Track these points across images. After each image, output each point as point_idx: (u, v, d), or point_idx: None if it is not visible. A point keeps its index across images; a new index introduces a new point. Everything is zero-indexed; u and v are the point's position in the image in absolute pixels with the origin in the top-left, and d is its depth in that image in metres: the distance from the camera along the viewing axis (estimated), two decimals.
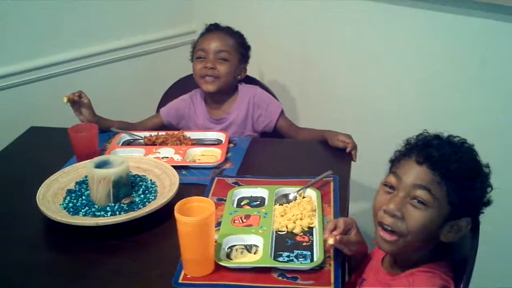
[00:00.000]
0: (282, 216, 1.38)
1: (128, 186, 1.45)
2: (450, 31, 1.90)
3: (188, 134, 1.85)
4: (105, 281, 1.21)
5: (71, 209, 1.40)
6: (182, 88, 2.12)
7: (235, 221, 1.36)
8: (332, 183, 1.54)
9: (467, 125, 1.86)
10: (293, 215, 1.37)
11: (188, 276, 1.19)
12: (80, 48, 2.43)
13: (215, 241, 1.24)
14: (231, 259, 1.24)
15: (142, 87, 2.60)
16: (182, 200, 1.20)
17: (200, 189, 1.52)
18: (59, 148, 1.76)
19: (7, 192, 1.59)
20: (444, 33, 1.92)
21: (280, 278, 1.17)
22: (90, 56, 2.46)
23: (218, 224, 1.34)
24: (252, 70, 2.07)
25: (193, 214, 1.17)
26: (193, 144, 1.80)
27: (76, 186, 1.51)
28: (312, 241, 1.29)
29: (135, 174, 1.55)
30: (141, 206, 1.40)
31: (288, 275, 1.18)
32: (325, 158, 1.73)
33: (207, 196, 1.47)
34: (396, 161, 1.17)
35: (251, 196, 1.50)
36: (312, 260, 1.22)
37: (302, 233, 1.32)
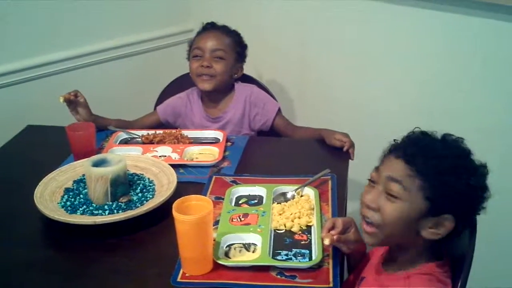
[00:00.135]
0: (280, 214, 1.38)
1: (125, 185, 1.45)
2: (451, 31, 1.90)
3: (186, 132, 1.85)
4: (103, 280, 1.21)
5: (68, 208, 1.39)
6: (179, 86, 2.11)
7: (233, 220, 1.36)
8: (330, 182, 1.54)
9: (468, 125, 1.86)
10: (291, 214, 1.36)
11: (186, 274, 1.19)
12: (77, 47, 2.42)
13: (214, 240, 1.24)
14: (230, 258, 1.23)
15: (139, 85, 2.60)
16: (180, 198, 1.20)
17: (198, 188, 1.52)
18: (56, 147, 1.76)
19: (4, 191, 1.58)
20: (444, 33, 1.92)
21: (278, 276, 1.17)
22: (87, 54, 2.46)
23: (216, 222, 1.34)
24: (249, 69, 2.07)
25: (191, 213, 1.17)
26: (190, 143, 1.80)
27: (74, 184, 1.51)
28: (311, 239, 1.29)
29: (133, 173, 1.55)
30: (139, 205, 1.40)
31: (286, 274, 1.18)
32: (323, 157, 1.73)
33: (205, 195, 1.47)
34: (382, 157, 1.19)
35: (249, 194, 1.49)
36: (310, 258, 1.22)
37: (300, 232, 1.32)
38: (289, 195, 1.47)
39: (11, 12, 2.18)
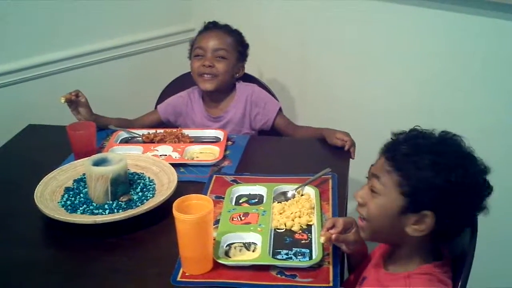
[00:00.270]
0: (280, 214, 1.38)
1: (126, 184, 1.45)
2: (451, 30, 1.89)
3: (186, 131, 1.84)
4: (103, 279, 1.21)
5: (69, 207, 1.39)
6: (180, 86, 2.11)
7: (234, 219, 1.36)
8: (330, 181, 1.54)
9: (469, 124, 1.85)
10: (292, 213, 1.36)
11: (186, 274, 1.19)
12: (78, 46, 2.42)
13: (214, 239, 1.24)
14: (230, 257, 1.23)
15: (140, 85, 2.59)
16: (181, 197, 1.19)
17: (199, 187, 1.51)
18: (57, 146, 1.76)
19: (5, 190, 1.58)
20: (445, 32, 1.92)
21: (278, 276, 1.17)
22: (88, 54, 2.45)
23: (217, 222, 1.34)
24: (250, 68, 2.07)
25: (192, 212, 1.16)
26: (191, 142, 1.79)
27: (74, 184, 1.51)
28: (311, 238, 1.29)
29: (133, 172, 1.55)
30: (139, 204, 1.40)
31: (286, 273, 1.18)
32: (323, 156, 1.73)
33: (205, 194, 1.47)
34: (378, 155, 1.20)
35: (250, 193, 1.49)
36: (310, 258, 1.22)
37: (300, 231, 1.32)
38: (289, 194, 1.47)
39: (12, 11, 2.18)
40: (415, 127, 1.16)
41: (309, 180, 1.51)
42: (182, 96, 2.04)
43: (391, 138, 1.17)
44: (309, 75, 2.46)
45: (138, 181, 1.51)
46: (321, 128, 1.83)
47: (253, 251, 1.25)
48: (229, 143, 1.80)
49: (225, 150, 1.73)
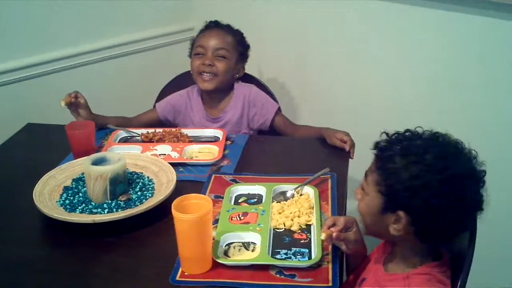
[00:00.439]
0: (279, 213, 1.37)
1: (125, 183, 1.45)
2: (451, 30, 1.89)
3: (185, 131, 1.84)
4: (102, 278, 1.21)
5: (67, 206, 1.39)
6: (179, 85, 2.11)
7: (233, 219, 1.36)
8: (329, 181, 1.53)
9: (470, 124, 1.87)
10: (291, 213, 1.36)
11: (185, 273, 1.18)
12: (77, 45, 2.41)
13: (213, 239, 1.24)
14: (229, 257, 1.23)
15: (140, 84, 2.59)
16: (180, 197, 1.19)
17: (198, 186, 1.51)
18: (56, 145, 1.76)
19: (3, 189, 1.58)
20: (445, 32, 1.92)
21: (278, 275, 1.17)
22: (88, 52, 2.45)
23: (216, 221, 1.34)
24: (250, 68, 2.07)
25: (191, 212, 1.16)
26: (190, 141, 1.79)
27: (73, 183, 1.51)
28: (310, 238, 1.29)
29: (132, 171, 1.55)
30: (138, 203, 1.40)
31: (286, 273, 1.18)
32: (322, 156, 1.73)
33: (204, 193, 1.47)
34: None
35: (249, 193, 1.49)
36: (310, 257, 1.22)
37: (299, 231, 1.32)
38: (288, 194, 1.47)
39: (12, 10, 2.17)
40: (417, 128, 1.16)
41: (308, 179, 1.50)
42: (181, 94, 2.04)
43: (385, 138, 1.17)
44: (309, 75, 2.46)
45: (137, 180, 1.51)
46: (320, 128, 1.83)
47: (252, 250, 1.25)
48: (228, 142, 1.80)
49: (224, 149, 1.73)
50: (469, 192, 1.06)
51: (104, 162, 1.44)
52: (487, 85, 1.85)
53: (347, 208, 1.60)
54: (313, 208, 1.40)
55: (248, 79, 2.09)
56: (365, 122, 2.22)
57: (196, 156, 1.71)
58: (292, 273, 1.17)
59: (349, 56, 2.26)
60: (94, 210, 1.37)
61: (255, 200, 1.46)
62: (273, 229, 1.33)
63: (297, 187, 1.48)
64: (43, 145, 1.83)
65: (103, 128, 1.86)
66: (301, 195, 1.47)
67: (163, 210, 1.33)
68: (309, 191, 1.48)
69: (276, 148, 1.84)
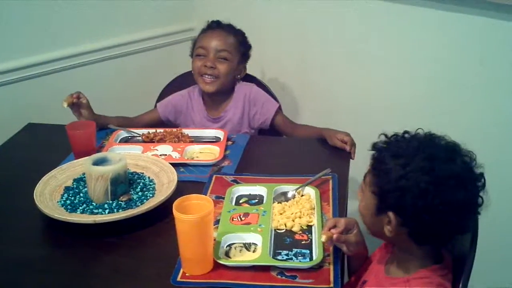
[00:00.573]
0: (281, 214, 1.37)
1: (126, 184, 1.45)
2: (451, 31, 1.90)
3: (186, 131, 1.84)
4: (103, 279, 1.21)
5: (68, 207, 1.39)
6: (180, 85, 2.11)
7: (234, 219, 1.36)
8: (331, 181, 1.53)
9: (469, 124, 1.87)
10: (292, 213, 1.36)
11: (186, 274, 1.18)
12: (78, 45, 2.42)
13: (214, 239, 1.24)
14: (230, 257, 1.23)
15: (141, 84, 2.59)
16: (181, 197, 1.19)
17: (199, 187, 1.51)
18: (57, 145, 1.76)
19: (4, 189, 1.58)
20: (445, 33, 1.92)
21: (279, 276, 1.17)
22: (88, 53, 2.45)
23: (217, 222, 1.34)
24: (251, 68, 2.06)
25: (192, 212, 1.16)
26: (191, 142, 1.79)
27: (74, 183, 1.51)
28: (311, 239, 1.29)
29: (133, 172, 1.55)
30: (139, 204, 1.40)
31: (287, 274, 1.17)
32: (324, 156, 1.73)
33: (205, 194, 1.47)
34: None
35: (250, 194, 1.49)
36: (311, 258, 1.22)
37: (301, 232, 1.32)
38: (289, 195, 1.46)
39: (13, 9, 2.17)
40: (418, 129, 1.15)
41: (309, 180, 1.50)
42: (182, 95, 2.04)
43: (383, 140, 1.17)
44: (309, 75, 2.46)
45: (138, 180, 1.51)
46: (321, 128, 1.83)
47: (253, 251, 1.25)
48: (229, 143, 1.80)
49: (225, 150, 1.73)
50: (459, 194, 1.04)
51: (105, 162, 1.44)
52: (487, 85, 1.85)
53: (348, 209, 1.60)
54: (314, 209, 1.39)
55: (249, 79, 2.09)
56: (365, 122, 2.22)
57: (197, 157, 1.71)
58: (293, 274, 1.17)
59: (349, 56, 2.26)
60: (95, 211, 1.37)
61: (256, 200, 1.46)
62: (274, 230, 1.33)
63: (298, 188, 1.48)
64: (44, 145, 1.83)
65: (104, 128, 1.86)
66: (302, 195, 1.47)
67: (164, 211, 1.33)
68: (310, 191, 1.47)
69: (277, 148, 1.84)
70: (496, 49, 1.79)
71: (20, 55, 2.24)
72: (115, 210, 1.37)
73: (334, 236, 1.21)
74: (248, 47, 2.00)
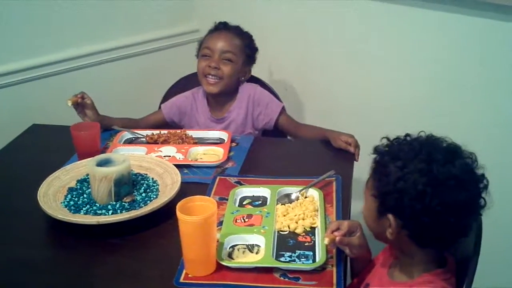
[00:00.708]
0: (284, 216, 1.37)
1: (129, 185, 1.45)
2: (452, 31, 1.89)
3: (190, 132, 1.84)
4: (106, 280, 1.21)
5: (72, 207, 1.39)
6: (184, 86, 2.11)
7: (237, 221, 1.36)
8: (334, 183, 1.53)
9: (469, 125, 1.86)
10: (295, 215, 1.36)
11: (189, 275, 1.18)
12: (81, 47, 2.42)
13: (217, 241, 1.24)
14: (233, 259, 1.23)
15: (145, 85, 2.60)
16: (184, 199, 1.19)
17: (202, 188, 1.51)
18: (61, 146, 1.76)
19: (8, 190, 1.59)
20: (445, 33, 1.92)
21: (282, 278, 1.17)
22: (92, 54, 2.46)
23: (220, 223, 1.34)
24: (252, 69, 2.06)
25: (195, 213, 1.16)
26: (195, 143, 1.79)
27: (78, 184, 1.51)
28: (314, 241, 1.29)
29: (137, 173, 1.55)
30: (143, 205, 1.40)
31: (290, 276, 1.17)
32: (327, 158, 1.73)
33: (209, 195, 1.47)
34: None
35: (253, 195, 1.49)
36: (314, 260, 1.21)
37: (304, 233, 1.32)
38: (293, 196, 1.46)
39: (17, 10, 2.18)
40: (420, 132, 1.15)
41: (313, 182, 1.50)
42: (186, 96, 2.04)
43: (384, 143, 1.17)
44: (310, 75, 2.46)
45: (142, 182, 1.51)
46: (325, 129, 1.83)
47: (256, 253, 1.25)
48: (233, 144, 1.80)
49: (229, 151, 1.73)
50: (459, 196, 1.03)
51: (109, 163, 1.44)
52: (487, 86, 1.85)
53: (352, 211, 1.60)
54: (317, 211, 1.39)
55: (251, 79, 2.08)
56: (366, 122, 2.22)
57: (201, 158, 1.71)
58: (296, 276, 1.17)
59: (350, 57, 2.26)
60: (99, 211, 1.37)
61: (260, 202, 1.46)
62: (278, 231, 1.32)
63: (302, 190, 1.47)
64: (48, 146, 1.84)
65: (108, 129, 1.86)
66: (305, 197, 1.46)
67: (167, 212, 1.33)
68: (314, 193, 1.47)
69: (281, 150, 1.84)
70: (496, 49, 1.79)
71: (24, 56, 2.25)
72: (119, 211, 1.38)
73: (337, 238, 1.20)
74: (255, 50, 1.99)
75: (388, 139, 1.16)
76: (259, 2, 2.52)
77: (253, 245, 1.27)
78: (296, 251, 1.25)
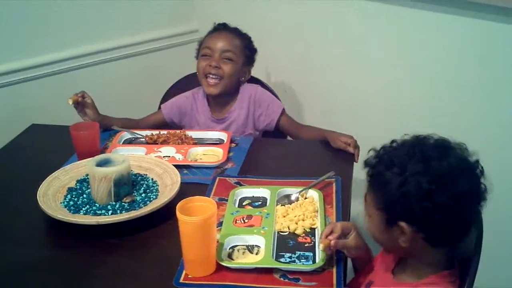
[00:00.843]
0: (284, 216, 1.37)
1: (129, 185, 1.45)
2: (452, 33, 1.89)
3: (190, 133, 1.84)
4: (106, 280, 1.21)
5: (71, 208, 1.39)
6: (183, 87, 2.11)
7: (237, 221, 1.36)
8: (334, 184, 1.53)
9: (470, 126, 1.86)
10: (295, 216, 1.36)
11: (189, 276, 1.18)
12: (80, 47, 2.42)
13: (217, 241, 1.23)
14: (233, 260, 1.23)
15: (144, 85, 2.60)
16: (184, 199, 1.19)
17: (202, 189, 1.51)
18: (60, 146, 1.76)
19: (7, 190, 1.58)
20: (446, 35, 1.92)
21: (281, 279, 1.17)
22: (91, 54, 2.46)
23: (220, 224, 1.34)
24: (253, 70, 2.06)
25: (195, 214, 1.16)
26: (194, 144, 1.79)
27: (77, 184, 1.51)
28: (314, 242, 1.28)
29: (137, 173, 1.55)
30: (142, 205, 1.39)
31: (290, 276, 1.17)
32: (327, 159, 1.73)
33: (208, 196, 1.47)
34: None
35: (253, 196, 1.49)
36: (314, 261, 1.21)
37: (304, 234, 1.31)
38: (293, 197, 1.46)
39: (16, 10, 2.18)
40: (405, 135, 1.14)
41: (313, 183, 1.50)
42: (186, 96, 2.04)
43: (373, 155, 1.16)
44: (309, 76, 2.46)
45: (141, 182, 1.51)
46: (325, 130, 1.83)
47: (256, 254, 1.25)
48: (233, 145, 1.79)
49: (229, 152, 1.73)
50: (462, 185, 1.04)
51: (109, 163, 1.44)
52: (487, 86, 1.85)
53: (352, 212, 1.59)
54: (317, 211, 1.39)
55: (251, 80, 2.08)
56: (366, 123, 2.22)
57: (200, 159, 1.71)
58: (296, 277, 1.17)
59: (349, 58, 2.26)
60: (98, 212, 1.37)
61: (260, 203, 1.46)
62: (278, 232, 1.32)
63: (302, 190, 1.47)
64: (47, 146, 1.83)
65: (108, 129, 1.86)
66: (305, 198, 1.46)
67: (167, 212, 1.33)
68: (314, 194, 1.47)
69: (281, 151, 1.84)
70: (496, 51, 1.79)
71: (24, 56, 2.25)
72: (118, 211, 1.37)
73: (332, 242, 1.20)
74: (254, 51, 2.00)
75: (375, 150, 1.16)
76: (259, 2, 2.52)
77: (253, 245, 1.27)
78: (296, 252, 1.25)
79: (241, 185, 1.54)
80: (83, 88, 1.85)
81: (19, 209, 1.47)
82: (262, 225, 1.33)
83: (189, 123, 2.02)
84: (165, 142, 1.79)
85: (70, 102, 1.77)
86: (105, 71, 2.51)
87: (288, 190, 1.49)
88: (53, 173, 1.52)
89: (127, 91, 2.57)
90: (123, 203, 1.40)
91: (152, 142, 1.80)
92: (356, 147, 1.71)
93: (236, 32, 1.97)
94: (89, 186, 1.45)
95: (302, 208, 1.40)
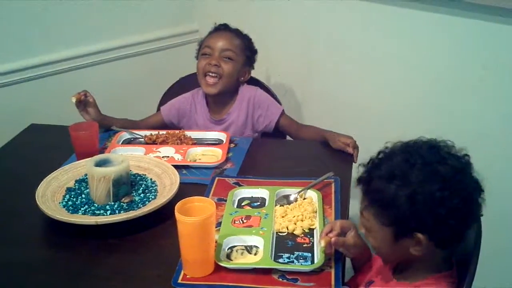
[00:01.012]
0: (283, 217, 1.37)
1: (128, 185, 1.45)
2: (454, 34, 1.89)
3: (189, 133, 1.84)
4: (104, 280, 1.21)
5: (70, 208, 1.39)
6: (183, 87, 2.11)
7: (236, 222, 1.36)
8: (333, 185, 1.53)
9: (470, 127, 1.86)
10: (294, 216, 1.36)
11: (187, 276, 1.18)
12: (79, 47, 2.43)
13: (215, 242, 1.23)
14: (231, 260, 1.23)
15: (144, 85, 2.60)
16: (183, 200, 1.19)
17: (201, 189, 1.51)
18: (59, 146, 1.76)
19: (6, 190, 1.58)
20: (447, 36, 1.92)
21: (280, 279, 1.17)
22: (90, 54, 2.46)
23: (219, 224, 1.33)
24: (253, 71, 2.06)
25: (194, 214, 1.16)
26: (193, 144, 1.79)
27: (76, 184, 1.51)
28: (313, 242, 1.28)
29: (135, 173, 1.54)
30: (141, 205, 1.39)
31: (288, 277, 1.17)
32: (326, 160, 1.72)
33: (207, 196, 1.47)
34: None
35: (252, 196, 1.49)
36: (312, 262, 1.21)
37: (302, 235, 1.31)
38: (292, 198, 1.46)
39: (16, 10, 2.18)
40: (387, 143, 1.13)
41: (311, 183, 1.50)
42: (186, 97, 2.04)
43: (364, 170, 1.15)
44: (313, 77, 2.46)
45: (140, 182, 1.51)
46: (324, 131, 1.83)
47: (255, 254, 1.25)
48: (232, 145, 1.79)
49: (228, 152, 1.73)
50: (467, 185, 1.05)
51: (107, 163, 1.44)
52: (489, 89, 1.85)
53: (350, 212, 1.59)
54: (316, 212, 1.39)
55: (251, 81, 2.08)
56: (366, 124, 2.22)
57: (199, 159, 1.71)
58: (294, 277, 1.17)
59: (350, 58, 2.26)
60: (97, 212, 1.37)
61: (258, 203, 1.46)
62: (276, 232, 1.32)
63: (301, 191, 1.47)
64: (46, 146, 1.83)
65: (109, 129, 1.86)
66: (304, 199, 1.46)
67: (165, 213, 1.33)
68: (313, 195, 1.47)
69: (280, 151, 1.84)
70: (499, 53, 1.79)
71: (23, 56, 2.25)
72: (117, 211, 1.37)
73: (332, 239, 1.20)
74: (254, 51, 2.00)
75: (363, 165, 1.14)
76: (259, 3, 2.52)
77: (251, 246, 1.27)
78: (295, 252, 1.25)
79: (240, 185, 1.54)
80: (82, 88, 1.84)
81: (18, 209, 1.47)
82: (260, 226, 1.33)
83: (187, 125, 2.02)
84: (164, 142, 1.79)
85: (74, 99, 1.77)
86: (105, 71, 2.52)
87: (287, 190, 1.49)
88: (52, 173, 1.52)
89: (127, 91, 2.57)
90: (122, 203, 1.40)
91: (151, 142, 1.80)
92: (355, 147, 1.70)
93: (237, 33, 1.98)
94: (88, 186, 1.45)
95: (301, 209, 1.40)
